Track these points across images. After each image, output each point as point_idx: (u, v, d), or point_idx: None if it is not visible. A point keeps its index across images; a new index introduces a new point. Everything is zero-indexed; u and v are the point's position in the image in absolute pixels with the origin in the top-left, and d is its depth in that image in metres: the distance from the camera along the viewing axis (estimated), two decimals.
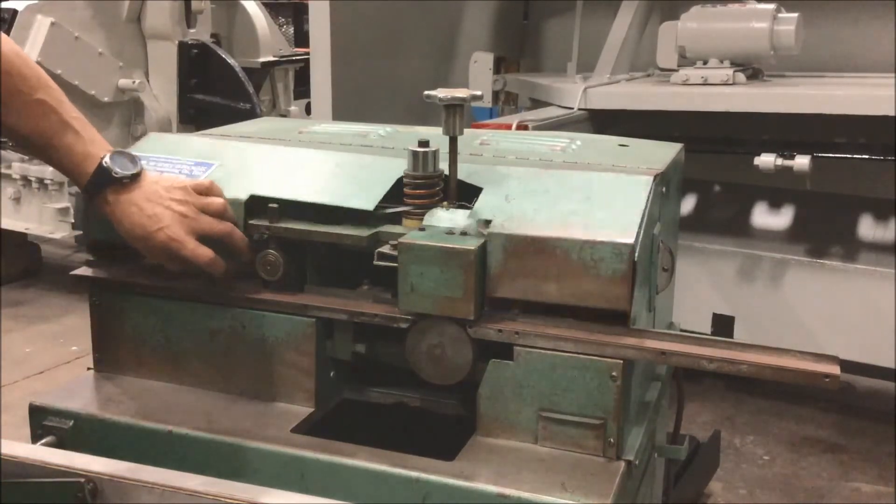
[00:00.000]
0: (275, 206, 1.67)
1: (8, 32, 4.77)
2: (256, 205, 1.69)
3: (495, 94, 4.56)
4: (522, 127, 3.23)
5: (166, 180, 1.64)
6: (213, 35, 5.72)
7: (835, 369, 1.40)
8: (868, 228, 3.99)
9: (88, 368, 1.83)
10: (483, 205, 1.59)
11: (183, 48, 5.32)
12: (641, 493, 1.70)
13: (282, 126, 2.29)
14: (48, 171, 5.13)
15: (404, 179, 1.69)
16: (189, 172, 1.77)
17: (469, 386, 1.57)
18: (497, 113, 4.65)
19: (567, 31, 4.50)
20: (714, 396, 4.15)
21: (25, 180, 5.35)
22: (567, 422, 1.51)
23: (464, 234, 1.54)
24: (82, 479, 1.18)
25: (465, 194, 1.71)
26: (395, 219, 1.67)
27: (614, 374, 1.47)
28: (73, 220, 5.17)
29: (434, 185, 1.68)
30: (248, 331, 1.69)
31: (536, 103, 4.18)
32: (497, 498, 1.40)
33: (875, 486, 3.48)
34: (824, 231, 4.01)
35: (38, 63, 4.67)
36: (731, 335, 3.84)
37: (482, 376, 1.54)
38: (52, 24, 4.93)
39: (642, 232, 1.52)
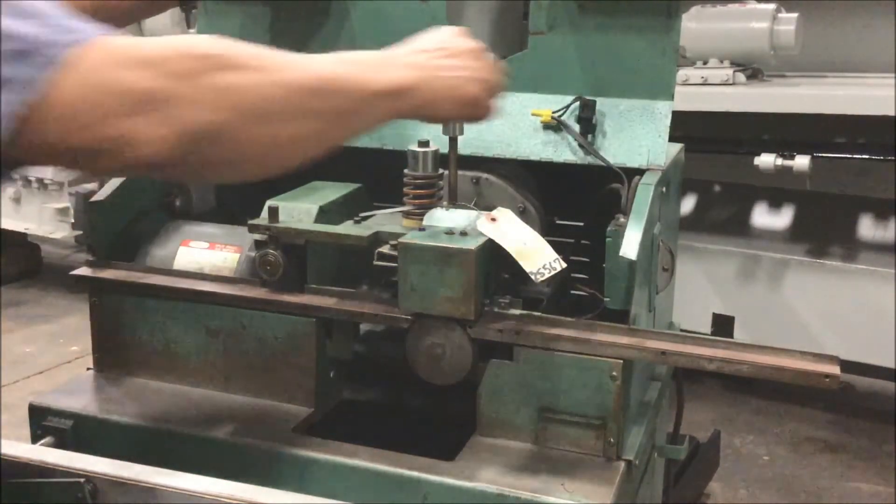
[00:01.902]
0: (275, 206, 1.68)
1: None
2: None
3: None
4: None
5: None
6: None
7: (835, 369, 1.40)
8: (868, 228, 3.99)
9: (88, 368, 1.83)
10: None
11: None
12: (641, 493, 1.70)
13: None
14: (48, 171, 5.13)
15: (404, 179, 1.69)
16: None
17: (469, 386, 1.57)
18: None
19: None
20: (714, 396, 4.15)
21: (25, 180, 5.34)
22: (567, 422, 1.51)
23: (464, 234, 1.54)
24: (82, 479, 1.19)
25: (466, 193, 1.71)
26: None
27: (614, 374, 1.47)
28: (73, 220, 5.17)
29: (434, 185, 1.68)
30: (248, 331, 1.69)
31: None
32: (497, 498, 1.40)
33: (875, 486, 3.48)
34: (824, 231, 4.00)
35: None
36: (731, 335, 3.84)
37: (482, 376, 1.54)
38: None
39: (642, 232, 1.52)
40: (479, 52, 1.33)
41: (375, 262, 1.62)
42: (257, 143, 0.98)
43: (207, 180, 1.04)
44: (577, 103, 1.78)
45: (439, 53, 1.26)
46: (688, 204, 4.23)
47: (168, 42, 0.94)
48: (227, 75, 0.95)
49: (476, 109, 1.36)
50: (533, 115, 1.79)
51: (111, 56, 0.88)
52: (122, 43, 0.90)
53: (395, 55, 1.21)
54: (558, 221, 1.94)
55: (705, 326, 3.92)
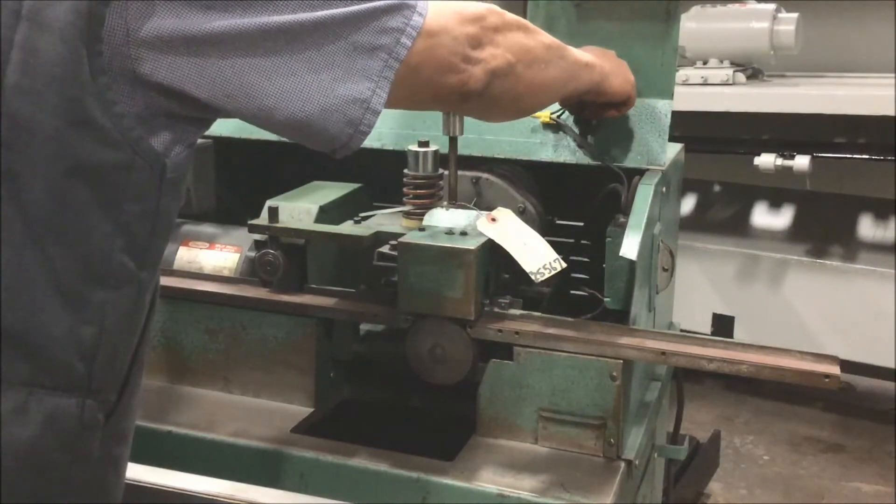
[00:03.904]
0: (275, 206, 1.68)
1: None
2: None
3: None
4: None
5: None
6: None
7: (835, 369, 1.40)
8: (868, 228, 3.99)
9: None
10: None
11: None
12: (641, 493, 1.70)
13: None
14: None
15: (404, 179, 1.69)
16: None
17: (469, 386, 1.57)
18: None
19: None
20: (714, 396, 4.15)
21: None
22: (567, 422, 1.51)
23: (464, 234, 1.54)
24: None
25: (466, 193, 1.71)
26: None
27: (614, 374, 1.47)
28: None
29: (434, 185, 1.68)
30: (248, 331, 1.69)
31: None
32: (497, 498, 1.40)
33: (875, 486, 3.48)
34: (824, 231, 4.00)
35: None
36: (731, 335, 3.84)
37: (482, 376, 1.54)
38: None
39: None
40: (614, 54, 1.64)
41: (375, 262, 1.62)
42: (526, 83, 1.26)
43: (490, 117, 1.38)
44: None
45: (596, 51, 1.56)
46: (688, 204, 4.23)
47: (474, 4, 1.18)
48: (515, 31, 1.22)
49: (633, 91, 1.64)
50: (532, 115, 1.78)
51: (453, 12, 1.13)
52: (450, 3, 1.15)
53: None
54: (558, 221, 1.94)
55: (705, 326, 3.92)
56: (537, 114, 1.79)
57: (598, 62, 1.51)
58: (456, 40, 1.12)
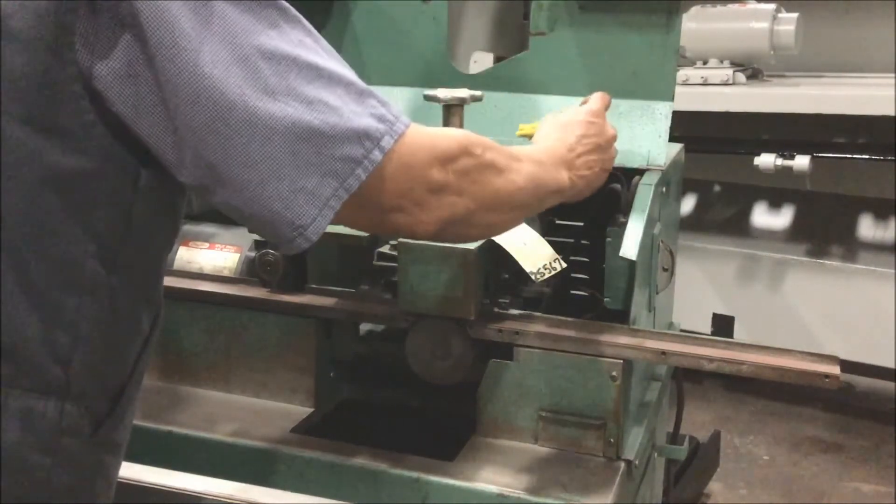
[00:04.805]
0: None
1: None
2: None
3: None
4: None
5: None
6: None
7: (835, 369, 1.40)
8: (868, 228, 3.99)
9: None
10: None
11: None
12: (641, 493, 1.70)
13: None
14: None
15: None
16: None
17: (469, 386, 1.57)
18: None
19: None
20: (714, 396, 4.15)
21: None
22: (567, 422, 1.51)
23: None
24: None
25: None
26: None
27: (614, 374, 1.47)
28: None
29: None
30: (248, 331, 1.69)
31: None
32: (497, 498, 1.40)
33: (875, 486, 3.48)
34: (824, 231, 4.01)
35: None
36: (731, 335, 3.84)
37: (482, 376, 1.54)
38: None
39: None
40: (612, 140, 1.45)
41: (375, 262, 1.62)
42: (484, 226, 1.16)
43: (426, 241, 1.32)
44: None
45: (583, 148, 1.37)
46: (688, 204, 4.24)
47: (451, 138, 1.08)
48: (487, 174, 1.10)
49: (597, 190, 1.48)
50: (519, 135, 1.72)
51: (423, 150, 1.03)
52: (425, 137, 1.04)
53: (555, 152, 1.32)
54: (558, 221, 1.94)
55: (705, 326, 3.93)
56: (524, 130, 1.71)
57: (570, 186, 1.32)
58: (414, 181, 1.02)
